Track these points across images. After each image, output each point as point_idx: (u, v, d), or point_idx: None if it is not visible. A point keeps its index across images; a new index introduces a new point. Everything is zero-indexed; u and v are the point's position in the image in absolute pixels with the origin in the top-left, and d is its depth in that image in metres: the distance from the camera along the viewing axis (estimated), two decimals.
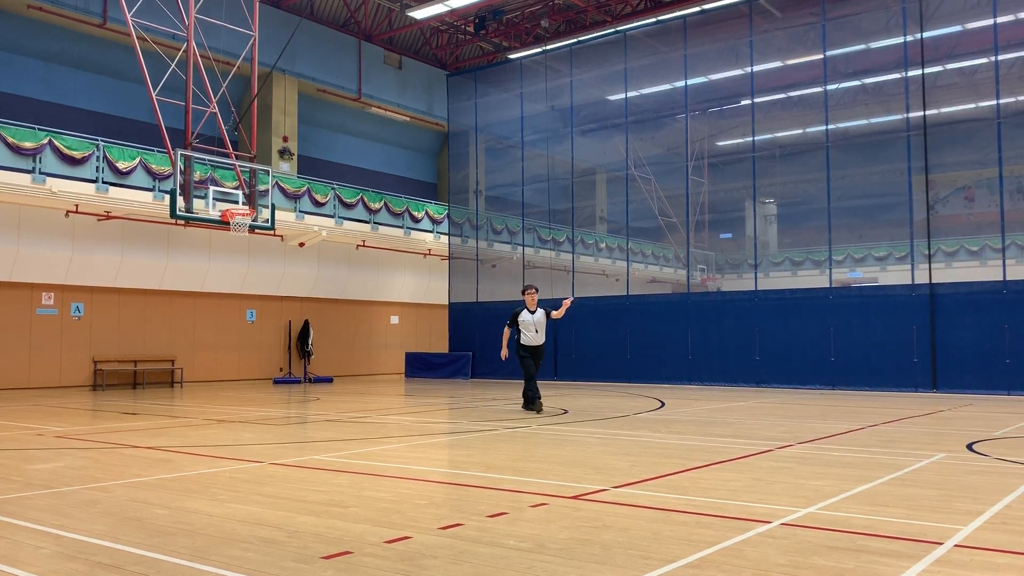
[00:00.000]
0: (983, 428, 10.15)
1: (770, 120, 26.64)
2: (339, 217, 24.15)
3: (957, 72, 24.71)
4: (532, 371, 12.32)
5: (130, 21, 16.98)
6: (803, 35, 22.35)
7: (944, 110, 25.11)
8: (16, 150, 17.49)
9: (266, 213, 18.61)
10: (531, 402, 12.43)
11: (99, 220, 19.59)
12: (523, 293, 12.54)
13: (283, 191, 22.33)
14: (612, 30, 24.93)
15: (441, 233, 27.21)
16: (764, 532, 4.53)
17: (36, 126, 18.23)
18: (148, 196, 19.47)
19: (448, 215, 27.16)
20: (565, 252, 27.38)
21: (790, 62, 23.76)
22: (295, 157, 25.68)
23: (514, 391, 18.02)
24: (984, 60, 22.54)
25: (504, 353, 12.57)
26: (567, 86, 24.31)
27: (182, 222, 18.84)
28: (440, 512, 5.18)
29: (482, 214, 26.77)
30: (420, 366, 25.41)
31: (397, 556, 4.04)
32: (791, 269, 33.54)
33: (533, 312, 12.28)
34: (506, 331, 12.55)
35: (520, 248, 25.82)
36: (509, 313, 12.62)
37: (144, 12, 17.53)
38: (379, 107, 28.65)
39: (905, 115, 19.03)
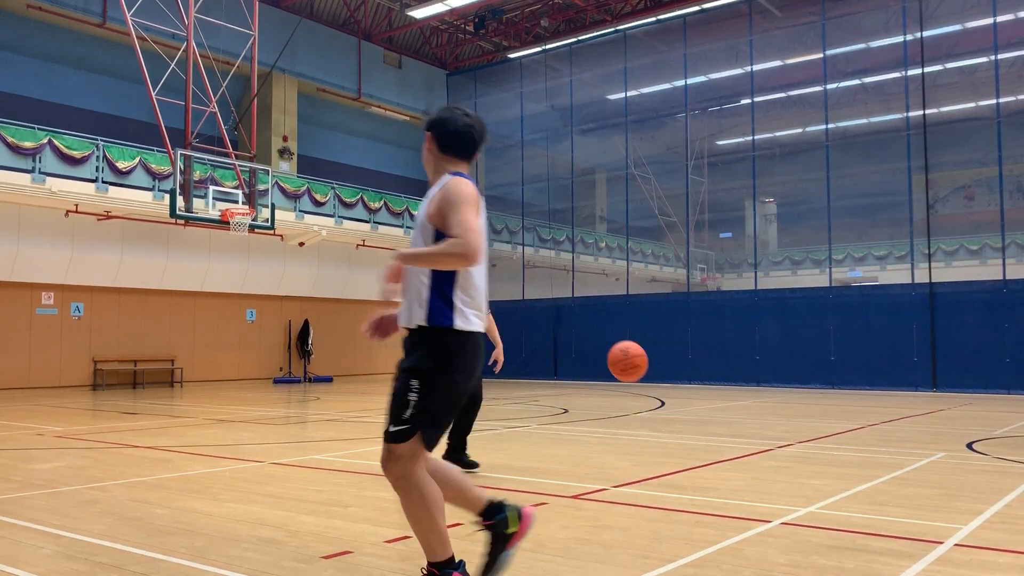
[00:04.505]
0: (983, 427, 10.15)
1: (770, 119, 26.65)
2: (339, 217, 24.13)
3: (957, 71, 24.71)
4: None
5: (130, 21, 16.99)
6: (803, 34, 22.36)
7: (944, 109, 25.12)
8: (16, 150, 17.48)
9: (266, 213, 18.62)
10: None
11: (99, 220, 19.58)
12: None
13: (283, 191, 22.32)
14: (612, 29, 24.93)
15: None
16: (764, 532, 4.53)
17: (36, 126, 18.21)
18: (148, 196, 19.46)
19: None
20: (565, 251, 27.38)
21: (790, 61, 23.78)
22: (295, 157, 25.67)
23: (514, 390, 18.02)
24: (984, 59, 22.54)
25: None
26: (567, 85, 24.32)
27: (182, 222, 18.84)
28: None
29: None
30: None
31: (397, 556, 4.04)
32: (791, 268, 33.53)
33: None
34: None
35: (520, 248, 25.82)
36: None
37: (144, 12, 17.53)
38: (379, 107, 28.64)
39: (905, 114, 19.05)
